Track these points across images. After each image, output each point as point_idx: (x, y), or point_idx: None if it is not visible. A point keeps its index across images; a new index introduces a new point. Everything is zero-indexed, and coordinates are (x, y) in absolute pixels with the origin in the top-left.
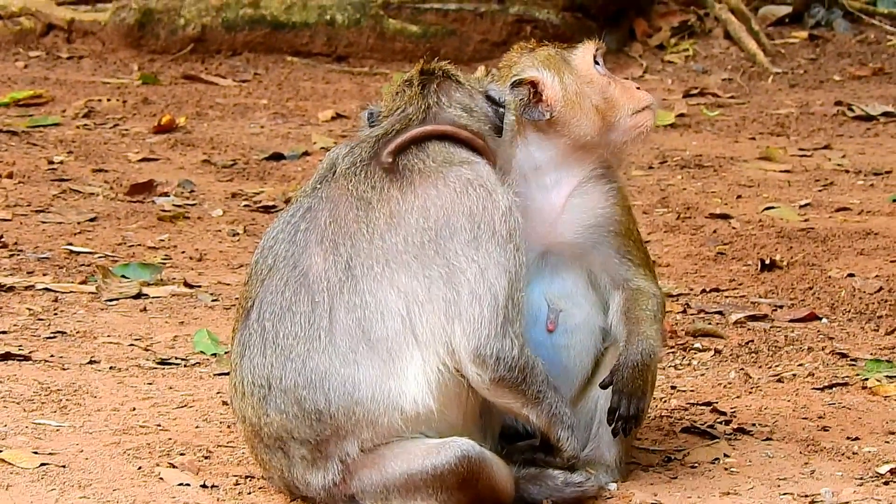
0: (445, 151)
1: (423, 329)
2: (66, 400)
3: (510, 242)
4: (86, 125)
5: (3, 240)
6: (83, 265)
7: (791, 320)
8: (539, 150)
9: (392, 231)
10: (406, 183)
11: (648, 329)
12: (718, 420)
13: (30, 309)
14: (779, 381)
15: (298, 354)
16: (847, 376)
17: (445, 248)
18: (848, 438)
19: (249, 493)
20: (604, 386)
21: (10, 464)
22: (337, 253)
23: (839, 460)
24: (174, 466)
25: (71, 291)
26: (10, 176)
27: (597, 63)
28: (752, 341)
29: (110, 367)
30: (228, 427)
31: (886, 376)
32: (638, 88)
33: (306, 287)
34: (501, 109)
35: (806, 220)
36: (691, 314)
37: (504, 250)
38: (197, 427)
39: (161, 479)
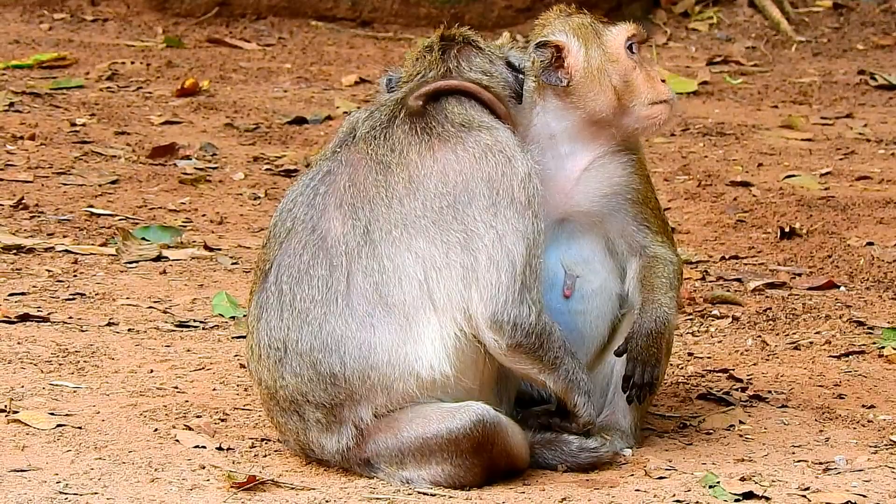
0: (465, 114)
1: (441, 294)
2: (84, 361)
3: (529, 209)
4: (109, 88)
5: (24, 202)
6: (104, 227)
7: (809, 288)
8: (556, 119)
9: (411, 196)
10: (425, 147)
11: (663, 297)
12: (734, 387)
13: (49, 271)
14: (795, 348)
15: (315, 318)
16: (864, 344)
17: (464, 214)
18: (863, 406)
19: (265, 456)
20: (618, 353)
21: (26, 424)
22: (356, 217)
23: (854, 428)
24: (190, 429)
25: (91, 254)
26: (32, 138)
27: (630, 48)
28: (770, 309)
29: (129, 329)
30: (245, 390)
31: None
32: (663, 81)
33: (324, 251)
34: (521, 76)
35: (826, 189)
36: (710, 281)
37: (522, 217)
38: (214, 390)
39: (177, 441)
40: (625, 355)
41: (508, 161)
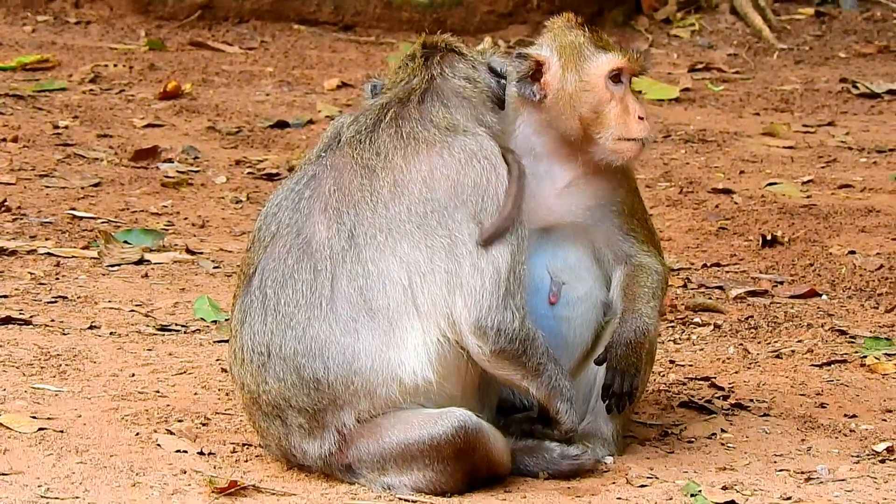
0: (450, 118)
1: (425, 299)
2: (66, 365)
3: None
4: (92, 90)
5: (6, 204)
6: (86, 230)
7: (791, 296)
8: (535, 134)
9: (396, 200)
10: (410, 151)
11: (644, 306)
12: (716, 395)
13: (31, 273)
14: (777, 357)
15: (299, 322)
16: (846, 353)
17: (449, 220)
18: (845, 416)
19: (246, 461)
20: (598, 362)
21: (8, 428)
22: (340, 221)
23: (836, 437)
24: (172, 433)
25: (73, 256)
26: (15, 140)
27: (614, 79)
28: (752, 317)
29: (110, 333)
30: (227, 394)
31: (885, 354)
32: (641, 119)
33: (309, 255)
34: (503, 81)
35: (808, 197)
36: (692, 289)
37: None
38: (195, 394)
39: (158, 445)
40: (604, 364)
41: (493, 168)
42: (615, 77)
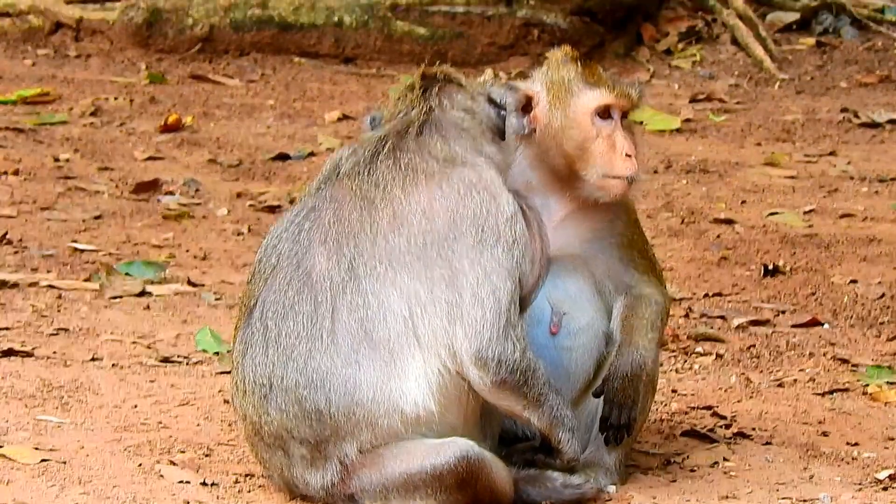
0: (448, 150)
1: (425, 330)
2: (68, 396)
3: (515, 247)
4: (92, 123)
5: (7, 236)
6: (87, 262)
7: (793, 325)
8: (530, 167)
9: (395, 231)
10: (409, 183)
11: (642, 339)
12: (719, 424)
13: (33, 305)
14: (779, 385)
15: (300, 354)
16: (848, 382)
17: (448, 251)
18: (847, 444)
19: (249, 492)
20: (595, 395)
21: (11, 459)
22: (340, 253)
23: (838, 465)
24: (175, 464)
25: (74, 289)
26: (16, 173)
27: (604, 115)
28: (754, 346)
29: (112, 365)
30: (229, 425)
31: (887, 382)
32: (629, 156)
33: (309, 287)
34: (503, 112)
35: (810, 226)
36: (693, 318)
37: (509, 255)
38: (198, 425)
39: (161, 476)
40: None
41: (493, 199)
42: (603, 113)
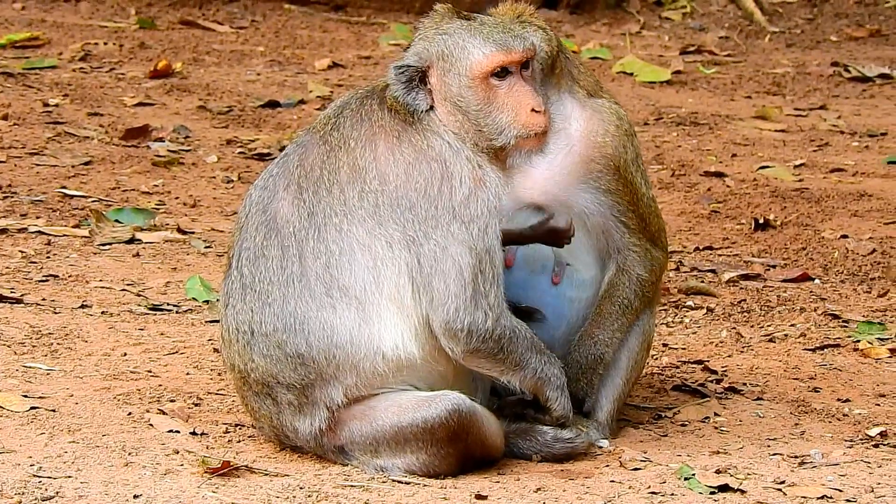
0: (406, 110)
1: (392, 287)
2: (57, 344)
3: (472, 226)
4: (82, 68)
5: None
6: (77, 209)
7: (784, 280)
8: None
9: (350, 184)
10: (367, 138)
11: (605, 331)
12: (709, 378)
13: (22, 252)
14: (770, 340)
15: (275, 299)
16: (839, 338)
17: (402, 217)
18: (838, 400)
19: (239, 442)
20: None
21: (0, 407)
22: (301, 199)
23: (829, 422)
24: (164, 413)
25: (64, 235)
26: (5, 118)
27: (501, 73)
28: (745, 300)
29: (102, 312)
30: (219, 374)
31: (878, 338)
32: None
33: (276, 231)
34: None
35: (800, 181)
36: (684, 272)
37: (466, 232)
38: (187, 374)
39: (151, 425)
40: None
41: (446, 175)
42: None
